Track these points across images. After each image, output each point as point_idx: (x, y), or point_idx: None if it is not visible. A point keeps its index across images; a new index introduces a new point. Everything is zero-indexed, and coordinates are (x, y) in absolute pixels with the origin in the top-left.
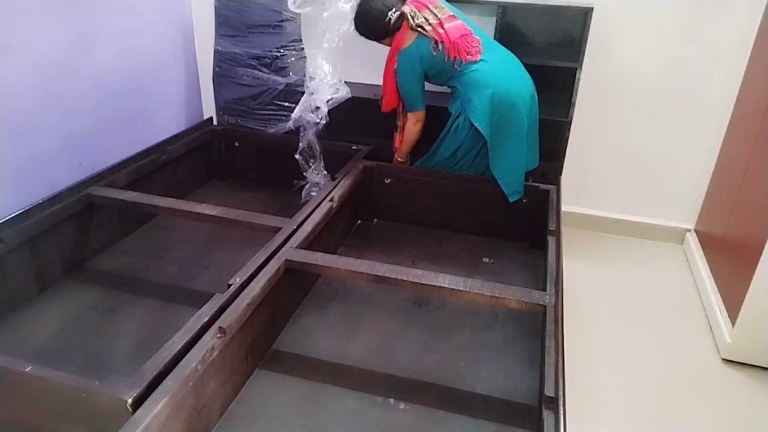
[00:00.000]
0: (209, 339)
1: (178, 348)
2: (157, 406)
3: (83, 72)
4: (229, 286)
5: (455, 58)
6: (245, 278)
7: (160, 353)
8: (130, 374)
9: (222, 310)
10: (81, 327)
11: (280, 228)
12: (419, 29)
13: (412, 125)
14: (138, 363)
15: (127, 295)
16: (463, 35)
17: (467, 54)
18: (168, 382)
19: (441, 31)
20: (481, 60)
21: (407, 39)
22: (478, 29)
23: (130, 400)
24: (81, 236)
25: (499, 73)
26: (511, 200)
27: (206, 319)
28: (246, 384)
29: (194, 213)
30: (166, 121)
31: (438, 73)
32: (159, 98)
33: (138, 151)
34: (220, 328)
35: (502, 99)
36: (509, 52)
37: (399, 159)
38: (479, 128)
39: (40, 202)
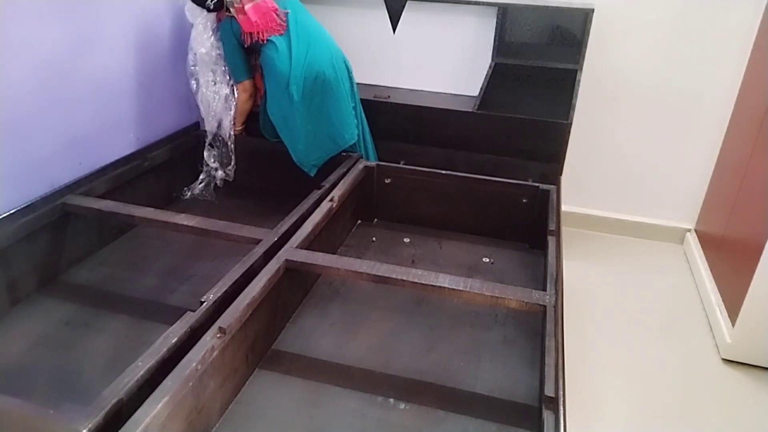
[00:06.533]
0: (209, 339)
1: (141, 373)
2: (157, 406)
3: (84, 72)
4: (202, 303)
5: (257, 40)
6: (219, 295)
7: (121, 379)
8: (87, 402)
9: (193, 331)
10: (52, 343)
11: (261, 240)
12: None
13: (239, 93)
14: (109, 383)
15: (102, 310)
16: (264, 13)
17: (266, 32)
18: (168, 382)
19: (242, 16)
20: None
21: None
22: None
23: (85, 431)
24: (55, 247)
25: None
26: (311, 174)
27: (174, 340)
28: (246, 384)
29: (172, 224)
30: (166, 121)
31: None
32: (159, 98)
33: (119, 158)
34: (220, 328)
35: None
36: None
37: (236, 128)
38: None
39: (13, 212)
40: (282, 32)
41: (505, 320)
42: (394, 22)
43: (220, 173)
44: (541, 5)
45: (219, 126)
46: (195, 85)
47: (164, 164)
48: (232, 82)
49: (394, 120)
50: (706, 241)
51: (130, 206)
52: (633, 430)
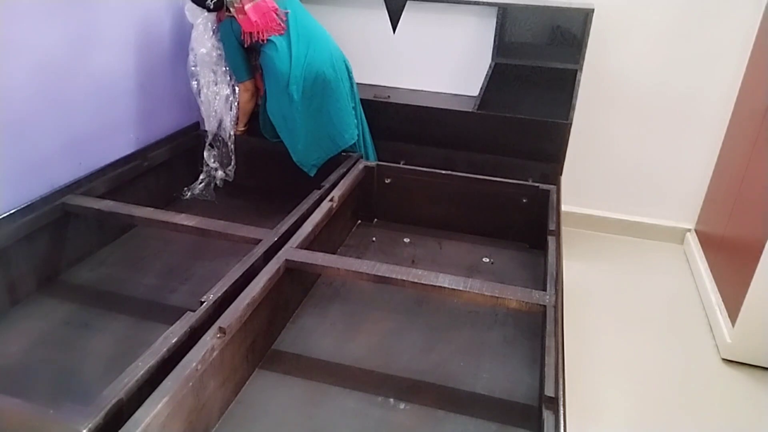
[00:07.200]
0: (209, 339)
1: (141, 373)
2: (157, 406)
3: (83, 72)
4: (202, 303)
5: (257, 39)
6: (219, 295)
7: (121, 379)
8: (87, 402)
9: (193, 331)
10: (52, 343)
11: (261, 240)
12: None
13: (241, 93)
14: (109, 383)
15: (103, 310)
16: (264, 13)
17: (266, 32)
18: (168, 382)
19: (242, 16)
20: (282, 36)
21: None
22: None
23: (85, 431)
24: (56, 247)
25: (296, 52)
26: (311, 174)
27: (174, 340)
28: (246, 384)
29: (172, 223)
30: (166, 121)
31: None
32: (159, 98)
33: (119, 158)
34: (220, 328)
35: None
36: (316, 23)
37: (239, 128)
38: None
39: (13, 212)
40: (282, 32)
41: (505, 320)
42: (394, 22)
43: (220, 173)
44: (541, 5)
45: (219, 126)
46: (196, 86)
47: (164, 164)
48: (232, 82)
49: (394, 120)
50: (706, 241)
51: (130, 206)
52: (633, 430)
